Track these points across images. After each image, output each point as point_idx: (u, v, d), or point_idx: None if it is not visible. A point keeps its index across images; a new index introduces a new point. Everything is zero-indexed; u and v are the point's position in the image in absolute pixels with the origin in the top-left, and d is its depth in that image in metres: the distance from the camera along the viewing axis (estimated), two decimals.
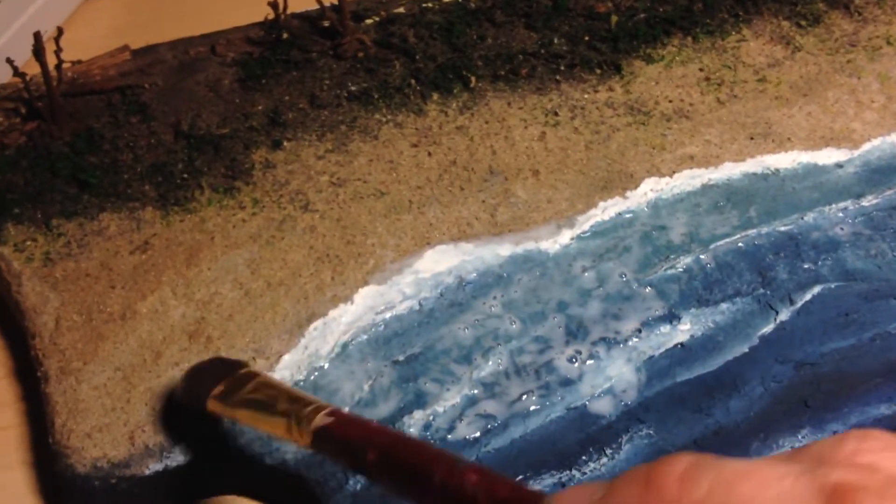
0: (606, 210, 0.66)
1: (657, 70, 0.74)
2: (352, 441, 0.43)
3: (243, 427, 0.53)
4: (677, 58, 0.75)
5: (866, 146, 0.69)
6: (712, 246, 0.64)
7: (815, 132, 0.70)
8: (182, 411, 0.53)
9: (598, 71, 0.74)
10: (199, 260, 0.62)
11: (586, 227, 0.65)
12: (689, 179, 0.68)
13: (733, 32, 0.76)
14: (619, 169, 0.68)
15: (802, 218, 0.66)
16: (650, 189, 0.67)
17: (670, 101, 0.72)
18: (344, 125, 0.70)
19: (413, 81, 0.72)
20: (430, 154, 0.68)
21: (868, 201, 0.66)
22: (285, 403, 0.47)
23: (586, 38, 0.75)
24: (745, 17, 0.77)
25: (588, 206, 0.66)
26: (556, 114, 0.71)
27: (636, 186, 0.67)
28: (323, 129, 0.70)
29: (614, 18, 0.75)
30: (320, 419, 0.44)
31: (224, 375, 0.51)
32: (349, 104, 0.71)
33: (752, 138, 0.70)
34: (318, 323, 0.59)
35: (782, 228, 0.65)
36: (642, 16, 0.76)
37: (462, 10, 0.76)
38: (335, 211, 0.65)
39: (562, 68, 0.74)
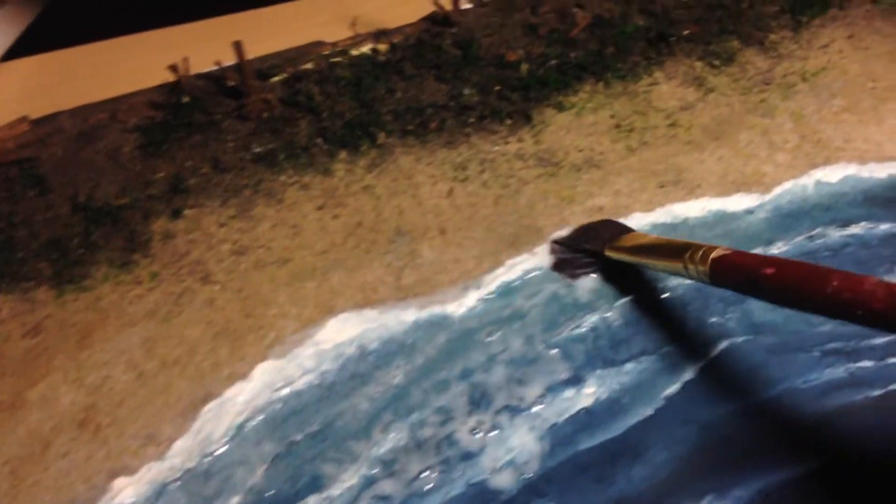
0: (514, 268, 0.65)
1: (568, 118, 0.73)
2: (749, 262, 0.49)
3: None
4: (588, 104, 0.74)
5: (777, 190, 0.68)
6: (619, 303, 0.63)
7: (726, 177, 0.69)
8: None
9: (509, 121, 0.73)
10: (93, 341, 0.60)
11: (493, 287, 0.64)
12: None
13: (645, 76, 0.75)
14: (527, 224, 0.67)
15: None
16: None
17: (580, 151, 0.71)
18: (248, 189, 0.68)
19: (320, 140, 0.71)
20: (335, 216, 0.67)
21: (778, 248, 0.65)
22: (678, 246, 0.56)
23: (497, 88, 0.74)
24: (658, 59, 0.76)
25: (495, 265, 0.65)
26: (465, 168, 0.70)
27: (545, 241, 0.66)
28: (226, 195, 0.68)
29: (524, 66, 0.74)
30: (718, 251, 0.52)
31: (616, 232, 0.63)
32: (254, 166, 0.70)
33: (662, 186, 0.69)
34: (213, 404, 0.58)
35: (689, 282, 0.64)
36: (553, 62, 0.75)
37: (371, 63, 0.75)
38: (236, 281, 0.64)
39: (471, 120, 0.73)
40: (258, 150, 0.70)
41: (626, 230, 0.64)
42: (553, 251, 0.65)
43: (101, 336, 0.61)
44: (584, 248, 0.64)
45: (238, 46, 0.67)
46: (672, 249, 0.56)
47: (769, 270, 0.47)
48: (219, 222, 0.67)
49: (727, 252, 0.51)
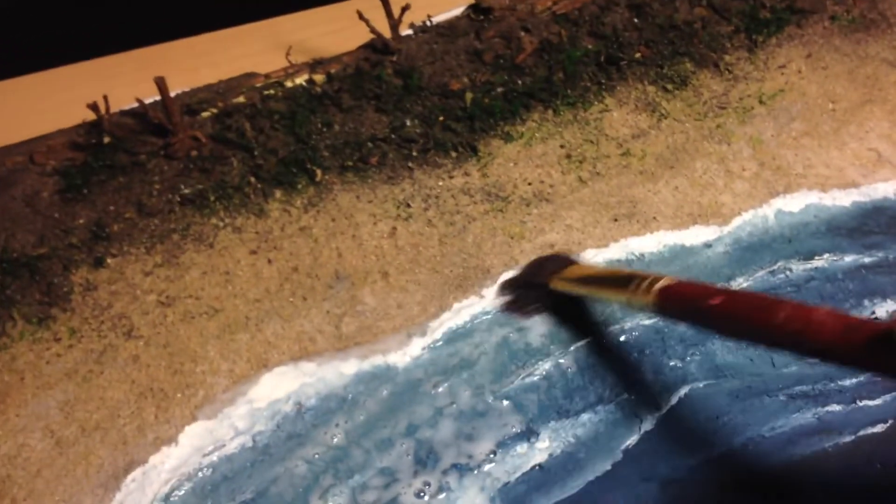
0: (461, 312, 0.61)
1: (516, 149, 0.69)
2: (696, 293, 0.47)
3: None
4: (537, 134, 0.70)
5: (736, 221, 0.65)
6: (573, 347, 0.59)
7: (682, 209, 0.66)
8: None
9: (454, 154, 0.69)
10: (7, 406, 0.56)
11: (439, 334, 0.60)
12: None
13: (596, 102, 0.72)
14: (475, 264, 0.63)
15: None
16: None
17: (529, 184, 0.67)
18: (176, 234, 0.64)
19: (253, 179, 0.67)
20: (270, 261, 0.63)
21: (739, 284, 0.62)
22: (624, 277, 0.53)
23: (440, 119, 0.70)
24: (609, 83, 0.73)
25: (441, 309, 0.61)
26: (408, 205, 0.66)
27: (493, 282, 0.62)
28: (152, 241, 0.64)
29: (469, 96, 0.70)
30: (664, 282, 0.49)
31: (561, 265, 0.60)
32: (182, 209, 0.65)
33: (615, 220, 0.65)
34: (136, 472, 0.54)
35: (647, 322, 0.60)
36: (499, 90, 0.71)
37: (307, 95, 0.70)
38: (162, 335, 0.59)
39: (414, 154, 0.69)
40: (187, 191, 0.66)
41: (571, 262, 0.61)
42: (502, 292, 0.61)
43: (17, 400, 0.56)
44: (530, 282, 0.61)
45: (160, 83, 0.63)
46: (617, 280, 0.54)
47: (716, 300, 0.45)
48: (144, 271, 0.62)
49: (672, 282, 0.49)
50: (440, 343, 0.59)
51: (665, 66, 0.74)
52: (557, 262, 0.61)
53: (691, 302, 0.47)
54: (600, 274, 0.58)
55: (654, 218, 0.65)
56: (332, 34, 0.86)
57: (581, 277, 0.58)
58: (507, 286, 0.61)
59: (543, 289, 0.59)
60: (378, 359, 0.59)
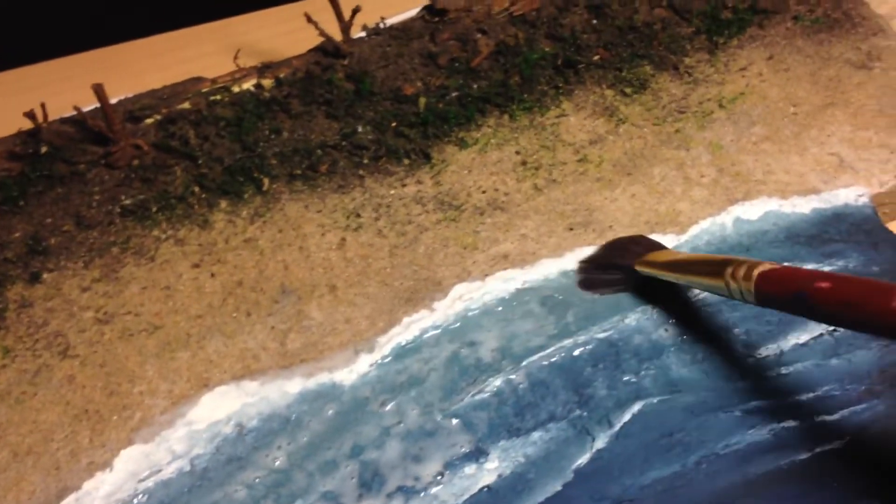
0: (411, 327, 0.59)
1: (470, 156, 0.67)
2: (800, 276, 0.46)
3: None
4: (492, 140, 0.68)
5: (694, 230, 0.63)
6: (525, 362, 0.57)
7: (639, 217, 0.64)
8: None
9: (406, 161, 0.67)
10: None
11: (387, 349, 0.58)
12: (502, 283, 0.61)
13: (553, 107, 0.70)
14: (426, 276, 0.61)
15: (623, 321, 0.59)
16: (459, 297, 0.61)
17: (484, 192, 0.65)
18: (115, 247, 0.62)
19: (197, 189, 0.65)
20: (213, 275, 0.61)
21: (696, 296, 0.60)
22: (718, 262, 0.52)
23: (393, 125, 0.68)
24: (566, 87, 0.71)
25: (390, 324, 0.59)
26: (358, 215, 0.64)
27: (445, 295, 0.61)
28: (90, 255, 0.61)
29: (422, 100, 0.68)
30: (764, 266, 0.48)
31: (648, 247, 0.60)
32: (122, 221, 0.63)
33: (571, 229, 0.63)
34: (70, 499, 0.52)
35: (601, 335, 0.58)
36: (454, 94, 0.69)
37: (254, 101, 0.68)
38: (99, 354, 0.57)
39: (365, 161, 0.67)
40: (127, 202, 0.64)
41: (659, 246, 0.61)
42: (580, 270, 0.62)
43: None
44: (614, 264, 0.60)
45: (98, 90, 0.61)
46: (710, 266, 0.53)
47: (824, 284, 0.44)
48: (81, 286, 0.60)
49: (774, 267, 0.48)
50: (388, 359, 0.58)
51: (624, 69, 0.72)
52: (642, 244, 0.61)
53: (796, 286, 0.46)
54: (691, 259, 0.57)
55: (611, 227, 0.63)
56: (284, 35, 0.83)
57: (670, 262, 0.57)
58: (588, 264, 0.62)
59: (628, 270, 0.59)
60: (324, 376, 0.57)
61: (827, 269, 0.60)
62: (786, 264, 0.48)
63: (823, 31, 0.74)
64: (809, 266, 0.60)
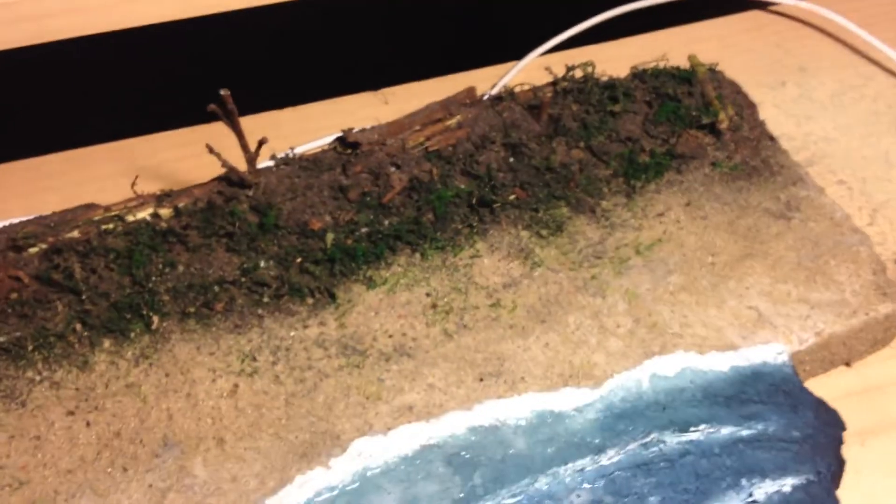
0: (304, 487, 0.54)
1: (378, 296, 0.64)
2: None
3: None
4: (402, 280, 0.65)
5: (609, 384, 0.60)
6: None
7: (552, 368, 0.61)
8: None
9: (310, 300, 0.63)
10: None
11: None
12: (406, 439, 0.57)
13: (467, 247, 0.67)
14: (324, 429, 0.57)
15: (534, 484, 0.55)
16: (359, 453, 0.56)
17: (390, 336, 0.62)
18: None
19: (79, 326, 0.60)
20: (88, 424, 0.56)
21: (609, 458, 0.57)
22: None
23: (298, 261, 0.64)
24: (481, 227, 0.68)
25: (282, 483, 0.55)
26: (254, 359, 0.60)
27: (343, 451, 0.56)
28: None
29: (330, 236, 0.65)
30: None
31: None
32: None
33: (481, 379, 0.60)
34: None
35: (510, 500, 0.54)
36: (364, 230, 0.66)
37: (150, 231, 0.64)
38: None
39: (266, 300, 0.63)
40: (1, 339, 0.58)
41: None
42: None
43: None
44: None
45: None
46: None
47: None
48: None
49: None
50: None
51: (540, 209, 0.70)
52: None
53: None
54: None
55: (523, 378, 0.60)
56: (189, 159, 0.80)
57: None
58: None
59: None
60: None
61: (746, 433, 0.58)
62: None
63: (742, 179, 0.73)
64: (728, 429, 0.58)
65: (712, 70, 0.80)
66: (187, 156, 0.81)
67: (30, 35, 0.75)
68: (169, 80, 0.93)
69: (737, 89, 0.80)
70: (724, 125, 0.74)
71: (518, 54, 0.95)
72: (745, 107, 0.78)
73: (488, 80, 0.91)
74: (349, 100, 0.91)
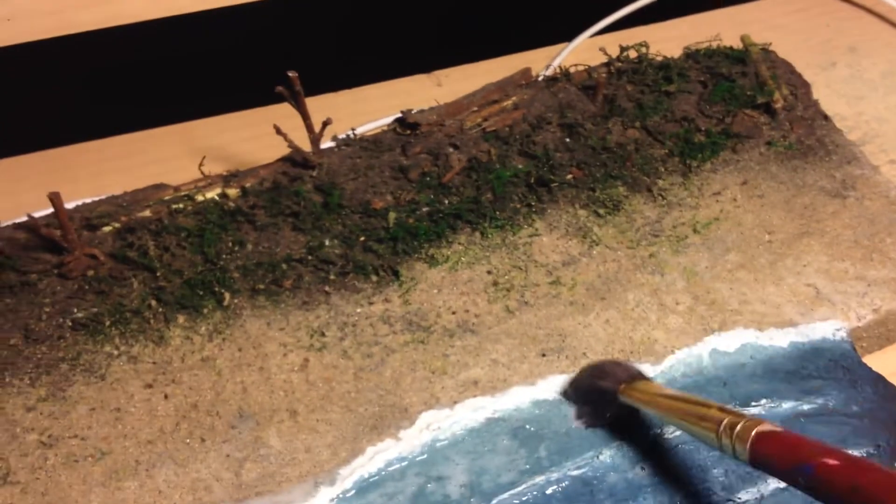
0: (375, 458, 0.56)
1: (440, 274, 0.65)
2: (804, 446, 0.42)
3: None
4: (463, 258, 0.66)
5: (670, 360, 0.61)
6: (495, 500, 0.54)
7: (613, 344, 0.62)
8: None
9: (374, 278, 0.65)
10: None
11: (349, 483, 0.55)
12: (471, 412, 0.58)
13: (525, 226, 0.68)
14: (392, 402, 0.58)
15: (598, 457, 0.57)
16: (427, 426, 0.58)
17: (454, 313, 0.63)
18: (65, 363, 0.59)
19: (154, 302, 0.62)
20: (166, 396, 0.57)
21: (671, 432, 0.58)
22: (712, 409, 0.48)
23: (361, 239, 0.66)
24: (539, 206, 0.69)
25: (354, 454, 0.56)
26: (322, 334, 0.61)
27: (411, 424, 0.58)
28: (38, 371, 0.58)
29: (392, 215, 0.66)
30: (764, 427, 0.45)
31: (630, 375, 0.56)
32: (73, 335, 0.60)
33: (543, 355, 0.61)
34: None
35: (575, 472, 0.56)
36: (425, 210, 0.68)
37: (219, 211, 0.66)
38: (41, 481, 0.53)
39: (332, 277, 0.64)
40: (80, 315, 0.61)
41: (642, 375, 0.57)
42: (569, 395, 0.60)
43: None
44: (598, 388, 0.57)
45: (54, 198, 0.58)
46: (703, 412, 0.49)
47: (831, 461, 0.41)
48: (26, 406, 0.57)
49: (774, 429, 0.45)
50: (351, 493, 0.54)
51: (597, 189, 0.71)
52: (625, 371, 0.57)
53: (799, 458, 0.42)
54: (682, 399, 0.53)
55: (584, 354, 0.61)
56: (251, 140, 0.82)
57: (656, 396, 0.54)
58: (575, 393, 0.59)
59: (610, 396, 0.56)
60: None
61: (807, 407, 0.58)
62: (790, 431, 0.45)
63: (797, 158, 0.74)
64: (789, 404, 0.59)
65: (765, 50, 0.81)
66: (247, 138, 0.83)
67: (102, 18, 0.77)
68: (216, 66, 0.95)
69: (790, 69, 0.80)
70: (778, 105, 0.75)
71: (567, 36, 0.96)
72: (799, 86, 0.79)
73: (539, 63, 0.92)
74: (403, 82, 0.92)
